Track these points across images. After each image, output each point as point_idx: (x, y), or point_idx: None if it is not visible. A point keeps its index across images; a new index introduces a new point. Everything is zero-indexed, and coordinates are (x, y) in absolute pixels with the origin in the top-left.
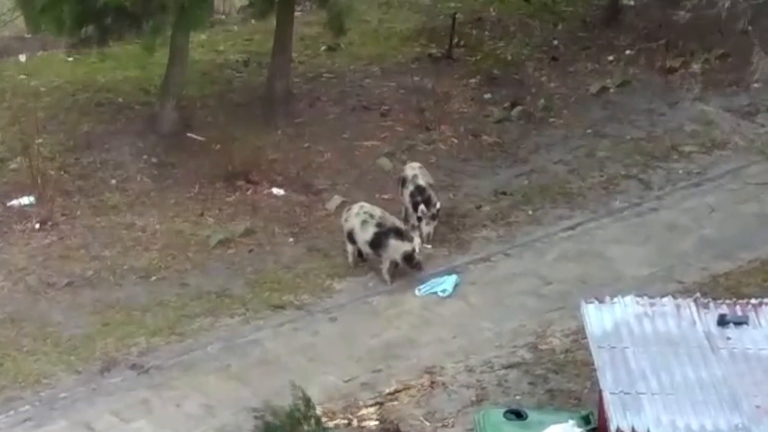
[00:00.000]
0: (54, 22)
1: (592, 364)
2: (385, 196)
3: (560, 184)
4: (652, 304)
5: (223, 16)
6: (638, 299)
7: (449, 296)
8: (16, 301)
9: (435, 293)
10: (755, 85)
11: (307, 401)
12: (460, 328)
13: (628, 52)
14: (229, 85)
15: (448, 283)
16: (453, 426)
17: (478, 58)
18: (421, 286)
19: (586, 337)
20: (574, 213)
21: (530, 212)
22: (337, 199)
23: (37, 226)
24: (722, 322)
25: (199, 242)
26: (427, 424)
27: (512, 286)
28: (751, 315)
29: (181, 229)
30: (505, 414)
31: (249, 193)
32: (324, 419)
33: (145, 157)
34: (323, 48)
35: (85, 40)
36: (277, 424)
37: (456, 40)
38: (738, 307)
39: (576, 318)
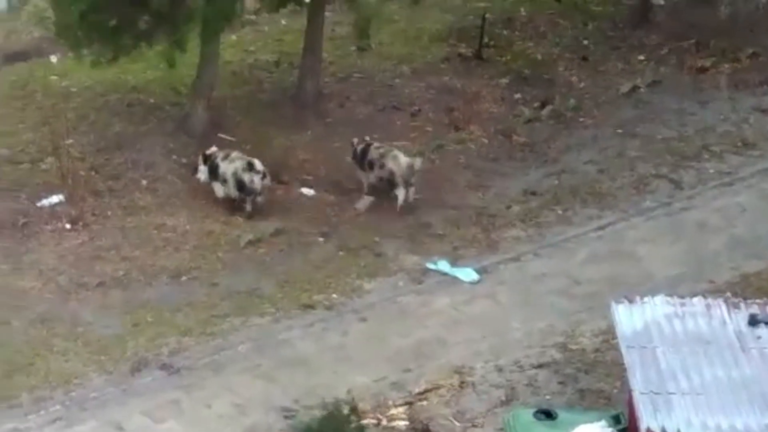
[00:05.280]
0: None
1: (622, 363)
2: (415, 196)
3: (590, 184)
4: (682, 304)
5: (254, 17)
6: (668, 299)
7: (469, 284)
8: (47, 301)
9: (451, 275)
10: None
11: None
12: (490, 327)
13: (658, 51)
14: (260, 85)
15: (466, 274)
16: (482, 426)
17: (508, 58)
18: (438, 263)
19: (616, 337)
20: (604, 213)
21: (560, 212)
22: (366, 199)
23: (68, 226)
24: (753, 321)
25: (230, 242)
26: (457, 423)
27: (542, 286)
28: None
29: (211, 229)
30: (535, 414)
31: (279, 193)
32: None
33: (175, 157)
34: (353, 48)
35: (118, 48)
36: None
37: (486, 40)
38: None
39: (606, 318)
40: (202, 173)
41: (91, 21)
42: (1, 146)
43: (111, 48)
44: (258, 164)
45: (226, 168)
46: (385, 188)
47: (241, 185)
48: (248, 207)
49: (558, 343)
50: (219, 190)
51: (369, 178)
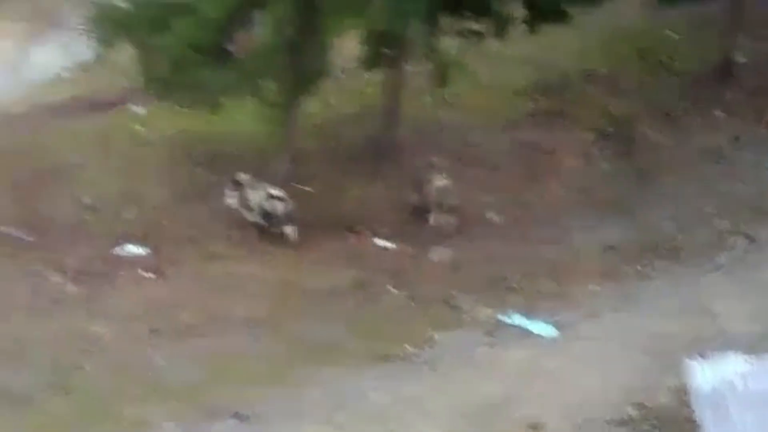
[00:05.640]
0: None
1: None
2: (492, 249)
3: (668, 240)
4: (758, 362)
5: (342, 75)
6: (744, 357)
7: (543, 338)
8: (123, 349)
9: (524, 328)
10: None
11: None
12: (565, 382)
13: (739, 108)
14: (339, 137)
15: (540, 328)
16: None
17: (590, 113)
18: (514, 316)
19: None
20: (681, 268)
21: (638, 267)
22: (443, 251)
23: (147, 274)
24: None
25: (305, 292)
26: None
27: (618, 342)
28: None
29: (287, 278)
30: None
31: (355, 243)
32: None
33: None
34: (433, 101)
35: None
36: None
37: (568, 95)
38: None
39: (682, 375)
40: (232, 198)
41: (178, 74)
42: (84, 194)
43: (196, 100)
44: (276, 191)
45: (252, 197)
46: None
47: (265, 214)
48: (279, 232)
49: (633, 399)
50: (248, 215)
51: (417, 200)
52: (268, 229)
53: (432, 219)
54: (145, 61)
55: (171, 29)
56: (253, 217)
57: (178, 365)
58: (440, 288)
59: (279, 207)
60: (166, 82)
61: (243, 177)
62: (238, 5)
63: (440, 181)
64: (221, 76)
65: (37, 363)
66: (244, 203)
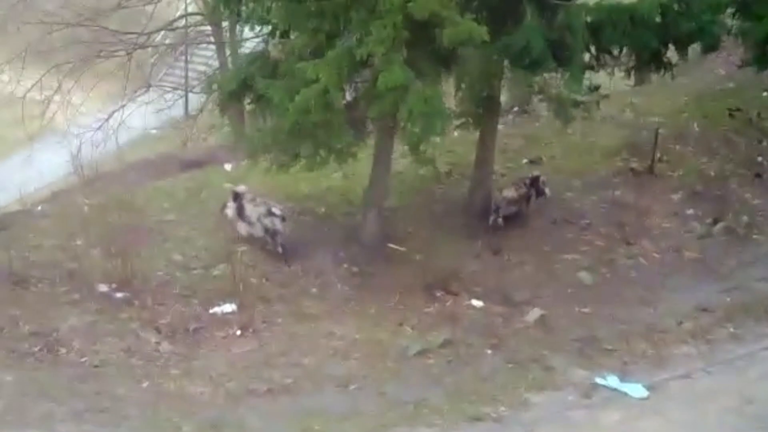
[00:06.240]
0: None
1: None
2: (585, 310)
3: (763, 302)
4: None
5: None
6: None
7: (637, 400)
8: (216, 407)
9: (619, 390)
10: None
11: None
12: None
13: None
14: (431, 196)
15: (635, 389)
16: None
17: (681, 173)
18: (608, 378)
19: None
20: None
21: (732, 329)
22: (536, 312)
23: (238, 332)
24: None
25: (398, 352)
26: None
27: (713, 404)
28: None
29: (379, 338)
30: None
31: (448, 304)
32: None
33: (345, 266)
34: (525, 161)
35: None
36: None
37: (658, 155)
38: None
39: None
40: (230, 209)
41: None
42: (175, 252)
43: (289, 155)
44: (276, 209)
45: (251, 211)
46: None
47: (265, 229)
48: (278, 248)
49: None
50: (242, 228)
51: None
52: (266, 242)
53: (491, 220)
54: (248, 125)
55: (290, 98)
56: (248, 230)
57: (272, 425)
58: (534, 349)
59: (277, 223)
60: (282, 143)
61: (241, 189)
62: (350, 72)
63: (510, 193)
64: (340, 132)
65: (134, 423)
66: (242, 216)
